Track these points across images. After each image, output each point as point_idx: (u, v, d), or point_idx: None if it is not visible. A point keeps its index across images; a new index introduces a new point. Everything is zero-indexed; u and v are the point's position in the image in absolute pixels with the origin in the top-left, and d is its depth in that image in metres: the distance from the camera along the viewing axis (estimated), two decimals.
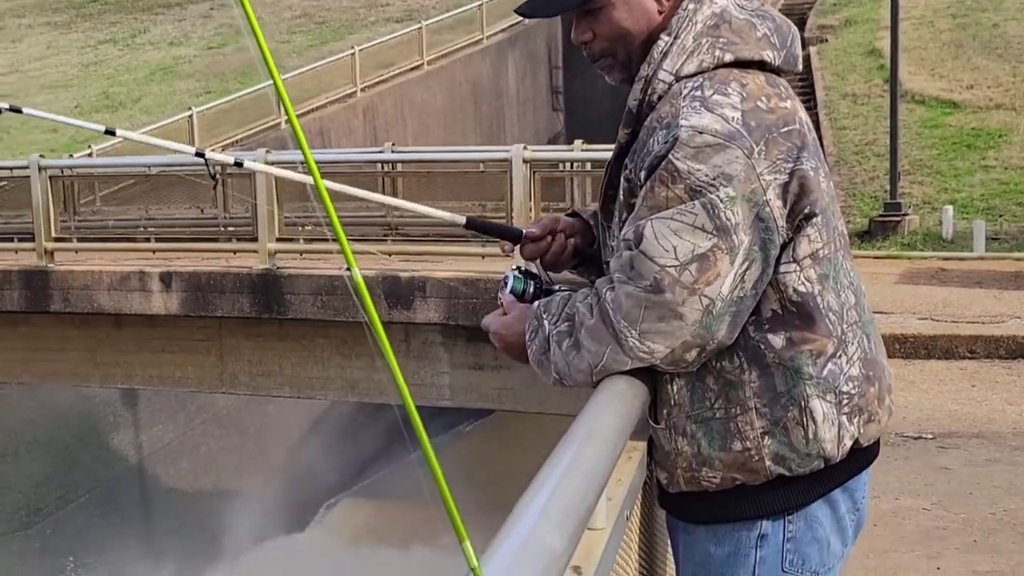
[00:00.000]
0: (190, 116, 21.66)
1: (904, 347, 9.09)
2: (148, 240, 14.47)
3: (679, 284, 1.95)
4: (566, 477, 1.47)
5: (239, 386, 12.86)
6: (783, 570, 2.12)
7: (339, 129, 24.16)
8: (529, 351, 2.13)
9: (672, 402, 2.12)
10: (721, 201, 1.95)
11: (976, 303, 10.50)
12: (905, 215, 17.50)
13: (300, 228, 12.34)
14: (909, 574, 4.82)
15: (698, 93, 2.01)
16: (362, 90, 24.94)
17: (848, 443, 2.10)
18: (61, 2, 41.11)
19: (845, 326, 2.11)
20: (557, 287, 2.32)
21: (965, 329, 9.33)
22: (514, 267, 2.34)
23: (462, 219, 2.43)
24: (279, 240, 12.09)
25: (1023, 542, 5.11)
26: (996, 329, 9.29)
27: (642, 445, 2.25)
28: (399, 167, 13.73)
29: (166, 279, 12.18)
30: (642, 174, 2.02)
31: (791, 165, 2.01)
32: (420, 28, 26.71)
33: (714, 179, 1.95)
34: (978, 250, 15.36)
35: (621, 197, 2.12)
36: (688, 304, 1.95)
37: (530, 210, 11.21)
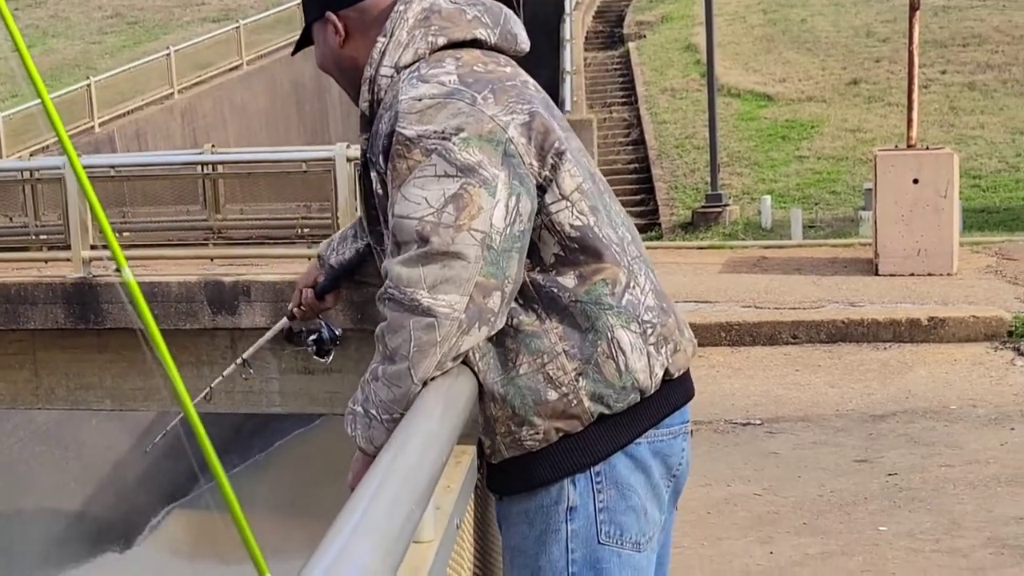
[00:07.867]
0: None
1: (730, 335, 9.25)
2: None
3: (441, 226, 1.90)
4: (385, 489, 1.35)
5: (56, 401, 12.31)
6: (599, 542, 2.07)
7: (156, 132, 23.43)
8: (360, 436, 1.99)
9: (480, 375, 2.05)
10: (455, 145, 1.94)
11: (797, 289, 10.76)
12: (726, 206, 17.90)
13: (117, 234, 11.86)
14: (743, 560, 4.86)
15: (415, 72, 2.06)
16: (179, 91, 24.26)
17: (659, 372, 2.10)
18: None
19: (630, 259, 2.12)
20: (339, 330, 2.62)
21: (787, 315, 9.53)
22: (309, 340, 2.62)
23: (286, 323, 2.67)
24: (94, 247, 11.60)
25: (850, 522, 5.21)
26: (816, 314, 9.52)
27: (472, 448, 2.14)
28: (220, 168, 13.32)
29: None
30: (380, 158, 2.04)
31: (527, 107, 2.05)
32: (238, 27, 26.15)
33: (443, 131, 1.95)
34: (796, 238, 15.79)
35: (379, 194, 2.10)
36: (460, 242, 1.89)
37: (355, 208, 11.03)
